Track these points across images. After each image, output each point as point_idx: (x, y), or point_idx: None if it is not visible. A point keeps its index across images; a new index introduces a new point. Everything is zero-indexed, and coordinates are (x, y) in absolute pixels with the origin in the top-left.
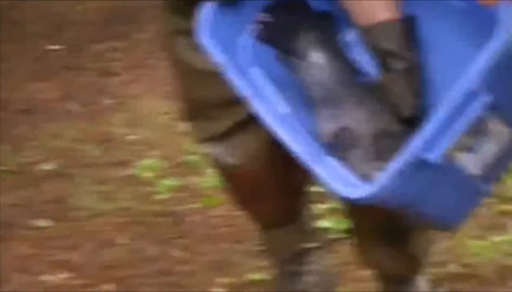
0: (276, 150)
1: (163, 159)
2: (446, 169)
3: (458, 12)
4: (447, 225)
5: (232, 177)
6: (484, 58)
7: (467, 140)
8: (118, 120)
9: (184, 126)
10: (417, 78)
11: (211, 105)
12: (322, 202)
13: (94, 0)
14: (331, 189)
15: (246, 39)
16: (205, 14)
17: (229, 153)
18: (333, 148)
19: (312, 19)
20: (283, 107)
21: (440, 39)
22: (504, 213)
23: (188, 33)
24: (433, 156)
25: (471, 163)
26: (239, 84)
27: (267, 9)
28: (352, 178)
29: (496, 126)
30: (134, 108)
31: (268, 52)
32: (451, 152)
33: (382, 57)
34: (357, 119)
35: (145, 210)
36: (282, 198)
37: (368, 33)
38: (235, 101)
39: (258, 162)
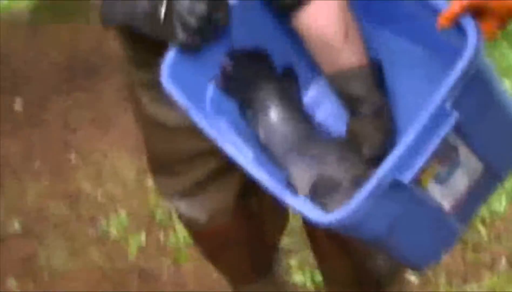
0: (244, 204)
1: (131, 215)
2: (418, 198)
3: (421, 57)
4: (418, 262)
5: (200, 233)
6: (452, 77)
7: (438, 168)
8: (83, 176)
9: (150, 181)
10: (386, 120)
11: (176, 160)
12: (292, 256)
13: (56, 54)
14: (303, 215)
15: (211, 87)
16: (169, 61)
17: (196, 208)
18: (313, 196)
19: (273, 72)
20: (249, 154)
21: (405, 84)
22: (477, 262)
23: (151, 86)
24: (404, 177)
25: (442, 195)
26: (205, 128)
27: (230, 56)
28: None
29: (468, 157)
30: (99, 163)
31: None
32: (422, 176)
33: (351, 102)
34: (333, 166)
35: (114, 267)
36: (252, 252)
37: (336, 79)
38: (201, 156)
39: (225, 216)
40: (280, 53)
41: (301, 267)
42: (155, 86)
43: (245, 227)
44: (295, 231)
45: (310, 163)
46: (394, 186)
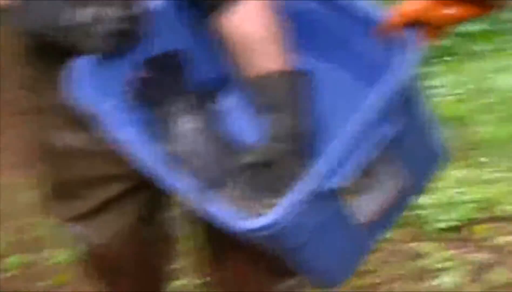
0: (139, 228)
1: (10, 233)
2: (339, 208)
3: (355, 56)
4: (329, 277)
5: (96, 256)
6: (384, 87)
7: (362, 179)
8: None
9: (32, 198)
10: (289, 128)
11: (75, 184)
12: (180, 278)
13: None
14: (223, 223)
15: (120, 97)
16: (77, 69)
17: (94, 232)
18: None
19: (184, 84)
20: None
21: (339, 84)
22: (360, 288)
23: (47, 111)
24: (332, 183)
25: (361, 207)
26: (112, 132)
27: (143, 65)
28: (239, 213)
29: (390, 171)
30: None
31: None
32: (348, 185)
33: (262, 109)
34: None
35: None
36: (144, 275)
37: (252, 84)
38: (100, 180)
39: (122, 240)
40: (199, 59)
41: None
42: (50, 111)
43: (139, 250)
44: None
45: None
46: (321, 194)
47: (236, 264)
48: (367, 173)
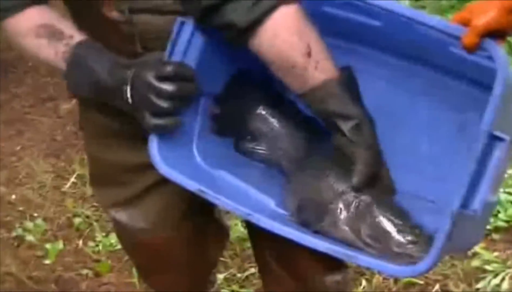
0: (191, 220)
1: (47, 221)
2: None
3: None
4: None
5: (140, 244)
6: (493, 102)
7: None
8: None
9: (68, 186)
10: (367, 134)
11: (120, 169)
12: (221, 271)
13: None
14: (380, 271)
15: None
16: (155, 147)
17: (137, 218)
18: (306, 222)
19: (256, 96)
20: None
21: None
22: (412, 284)
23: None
24: (476, 207)
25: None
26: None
27: (215, 100)
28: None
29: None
30: (13, 165)
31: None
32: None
33: (328, 119)
34: (317, 188)
35: (29, 276)
36: (190, 271)
37: (308, 100)
38: (144, 165)
39: (168, 229)
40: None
41: (229, 284)
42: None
43: (188, 243)
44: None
45: (296, 188)
46: (463, 216)
47: (283, 255)
48: None
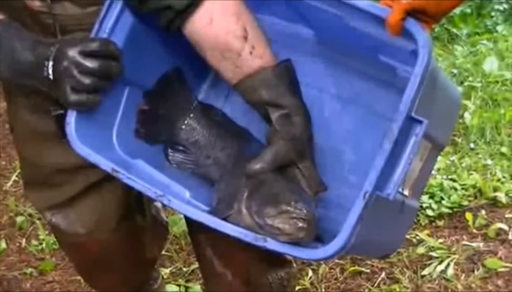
0: (128, 221)
1: None
2: (395, 202)
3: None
4: (387, 252)
5: (77, 246)
6: (413, 85)
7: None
8: None
9: (9, 184)
10: (298, 125)
11: (54, 171)
12: (166, 266)
13: None
14: (290, 255)
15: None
16: (72, 123)
17: (75, 221)
18: (217, 211)
19: (186, 100)
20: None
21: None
22: (358, 273)
23: (28, 94)
24: (388, 193)
25: (405, 184)
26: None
27: (146, 97)
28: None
29: (421, 143)
30: None
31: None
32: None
33: (262, 110)
34: (237, 184)
35: None
36: (130, 271)
37: (242, 88)
38: (79, 166)
39: (105, 230)
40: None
41: (175, 279)
42: (31, 94)
43: (126, 244)
44: (170, 241)
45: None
46: (377, 201)
47: (225, 253)
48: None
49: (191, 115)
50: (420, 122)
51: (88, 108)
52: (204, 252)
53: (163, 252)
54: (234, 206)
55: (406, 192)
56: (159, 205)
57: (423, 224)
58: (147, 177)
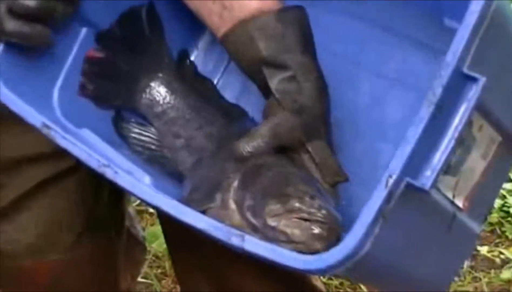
0: (89, 236)
1: None
2: (432, 200)
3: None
4: (435, 284)
5: (17, 270)
6: (466, 27)
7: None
8: None
9: None
10: (308, 93)
11: None
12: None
13: None
14: (283, 264)
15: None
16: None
17: (14, 236)
18: (192, 202)
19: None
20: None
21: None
22: None
23: None
24: (425, 181)
25: (455, 188)
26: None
27: (97, 41)
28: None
29: (484, 130)
30: None
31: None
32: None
33: (258, 74)
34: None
35: None
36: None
37: (231, 40)
38: (21, 160)
39: (57, 249)
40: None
41: None
42: None
43: (90, 271)
44: (148, 263)
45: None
46: (408, 195)
47: (214, 275)
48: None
49: (160, 74)
50: (475, 80)
51: (33, 44)
52: (191, 273)
53: (139, 279)
54: (216, 197)
55: (459, 202)
56: (132, 212)
57: (510, 237)
58: (92, 150)
